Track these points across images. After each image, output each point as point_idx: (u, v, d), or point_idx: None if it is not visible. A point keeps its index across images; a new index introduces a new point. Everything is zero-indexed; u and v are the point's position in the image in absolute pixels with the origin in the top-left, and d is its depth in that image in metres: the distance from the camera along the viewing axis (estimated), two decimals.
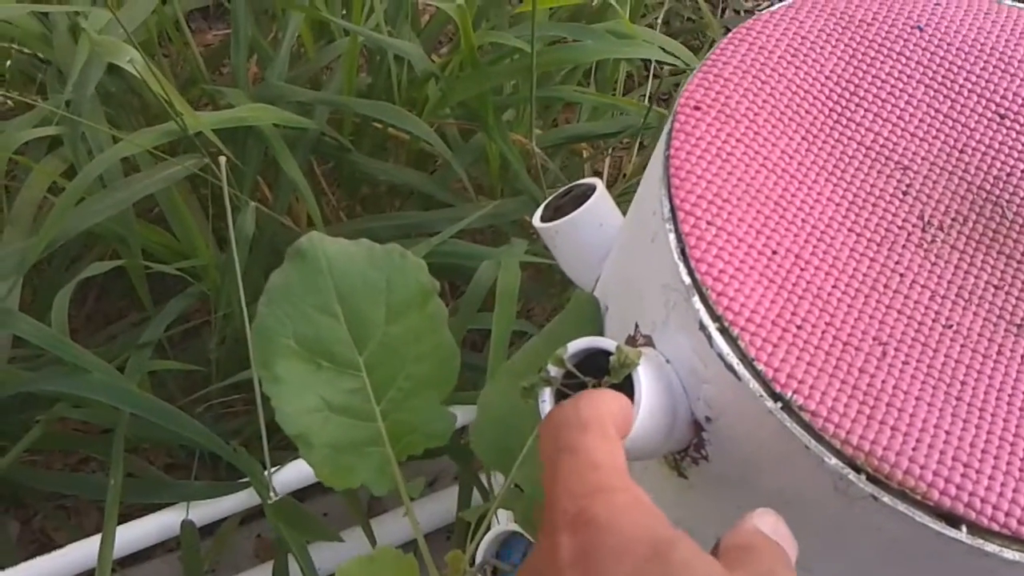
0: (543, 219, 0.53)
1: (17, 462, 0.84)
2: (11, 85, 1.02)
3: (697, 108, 0.39)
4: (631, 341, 0.40)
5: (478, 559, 0.55)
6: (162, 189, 0.81)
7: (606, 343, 0.36)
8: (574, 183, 0.54)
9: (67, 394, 0.75)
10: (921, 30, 0.43)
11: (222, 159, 0.76)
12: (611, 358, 0.35)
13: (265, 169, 0.98)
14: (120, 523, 0.74)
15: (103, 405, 0.74)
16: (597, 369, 0.36)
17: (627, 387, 0.34)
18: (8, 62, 0.96)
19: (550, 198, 0.54)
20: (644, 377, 0.34)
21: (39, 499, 0.99)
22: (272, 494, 0.64)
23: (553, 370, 0.36)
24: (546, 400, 0.36)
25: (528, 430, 0.44)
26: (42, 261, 0.83)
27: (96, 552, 0.69)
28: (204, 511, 0.77)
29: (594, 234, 0.51)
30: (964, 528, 0.31)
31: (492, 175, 1.01)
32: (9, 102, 0.97)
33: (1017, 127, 0.41)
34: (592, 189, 0.52)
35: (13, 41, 0.94)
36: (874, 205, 0.38)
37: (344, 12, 1.02)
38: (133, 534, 0.75)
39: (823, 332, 0.34)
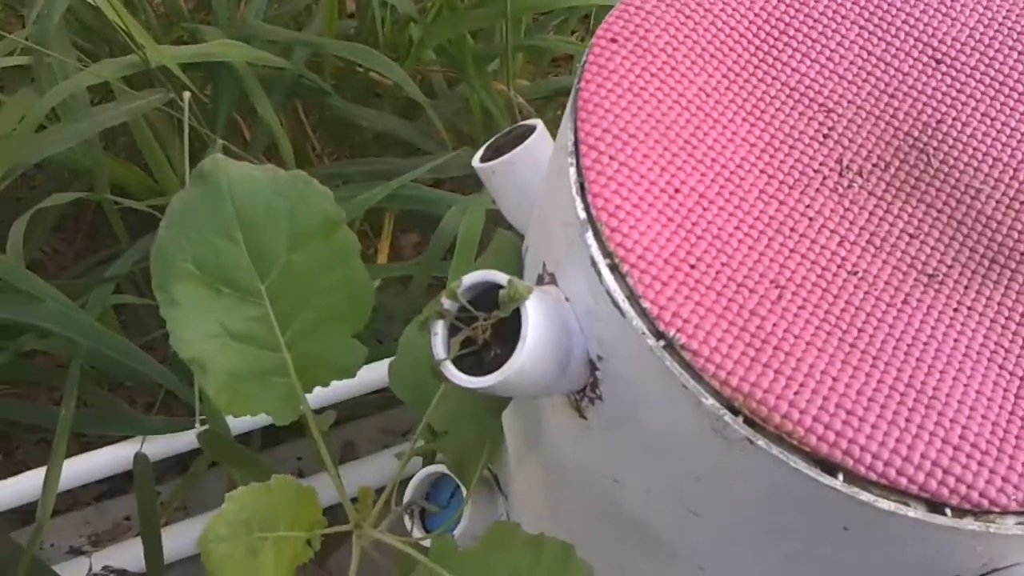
0: (483, 159, 0.52)
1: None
2: None
3: (613, 41, 0.38)
4: (540, 280, 0.39)
5: (407, 498, 0.54)
6: (135, 123, 0.81)
7: (499, 277, 0.35)
8: (517, 124, 0.53)
9: (31, 325, 0.76)
10: None
11: (186, 94, 0.75)
12: (501, 292, 0.34)
13: (248, 111, 0.98)
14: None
15: (65, 338, 0.74)
16: (493, 304, 0.35)
17: (517, 321, 0.34)
18: None
19: (493, 139, 0.53)
20: (532, 312, 0.33)
21: (21, 432, 1.00)
22: (198, 424, 0.64)
23: (447, 303, 0.36)
24: (438, 333, 0.35)
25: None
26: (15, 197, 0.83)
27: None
28: (159, 446, 0.77)
29: (531, 175, 0.50)
30: (840, 476, 0.30)
31: (475, 124, 1.00)
32: None
33: (953, 73, 0.39)
34: (532, 129, 0.51)
35: None
36: (791, 147, 0.37)
37: None
38: (86, 465, 0.75)
39: (717, 272, 0.33)
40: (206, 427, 0.66)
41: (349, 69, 1.04)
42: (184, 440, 0.77)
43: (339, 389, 0.76)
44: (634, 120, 0.36)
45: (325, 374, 0.42)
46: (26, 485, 0.75)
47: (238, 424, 0.76)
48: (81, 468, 0.75)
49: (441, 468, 0.55)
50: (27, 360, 0.90)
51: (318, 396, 0.50)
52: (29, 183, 0.75)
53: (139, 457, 0.74)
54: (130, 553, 0.90)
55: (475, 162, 0.52)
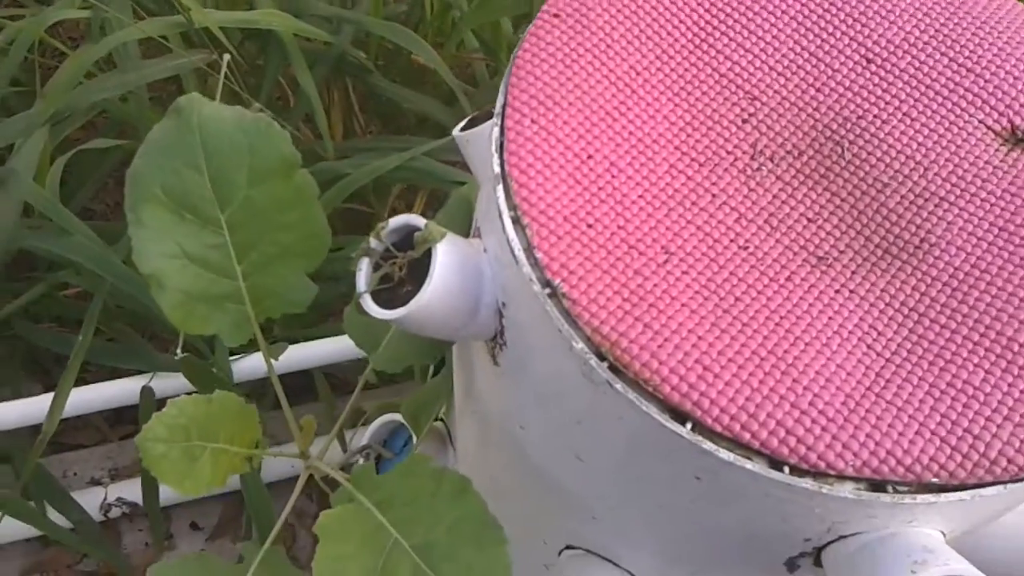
0: (461, 130, 0.55)
1: (40, 329, 0.92)
2: None
3: (556, 16, 0.40)
4: (473, 233, 0.42)
5: (363, 442, 0.58)
6: (185, 80, 0.86)
7: (419, 221, 0.38)
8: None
9: (69, 263, 0.81)
10: None
11: (225, 56, 0.80)
12: (416, 233, 0.37)
13: (294, 81, 1.02)
14: None
15: (92, 275, 0.80)
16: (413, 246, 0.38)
17: (429, 262, 0.37)
18: None
19: (476, 113, 0.56)
20: (442, 253, 0.36)
21: (59, 365, 1.07)
22: (178, 351, 0.68)
23: (373, 243, 0.39)
24: (362, 269, 0.38)
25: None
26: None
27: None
28: (168, 384, 0.82)
29: None
30: (689, 425, 0.32)
31: None
32: None
33: (882, 73, 0.41)
34: None
35: None
36: (709, 129, 0.39)
37: None
38: (95, 394, 0.81)
39: (612, 234, 0.35)
40: (187, 355, 0.70)
41: (396, 51, 1.08)
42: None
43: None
44: (561, 89, 0.38)
45: (277, 306, 0.45)
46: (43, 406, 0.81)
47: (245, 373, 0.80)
48: (91, 396, 0.81)
49: (398, 417, 0.58)
50: (61, 295, 0.96)
51: None
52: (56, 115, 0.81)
53: (145, 390, 0.79)
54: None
55: (455, 131, 0.55)
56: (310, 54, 0.97)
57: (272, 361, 0.47)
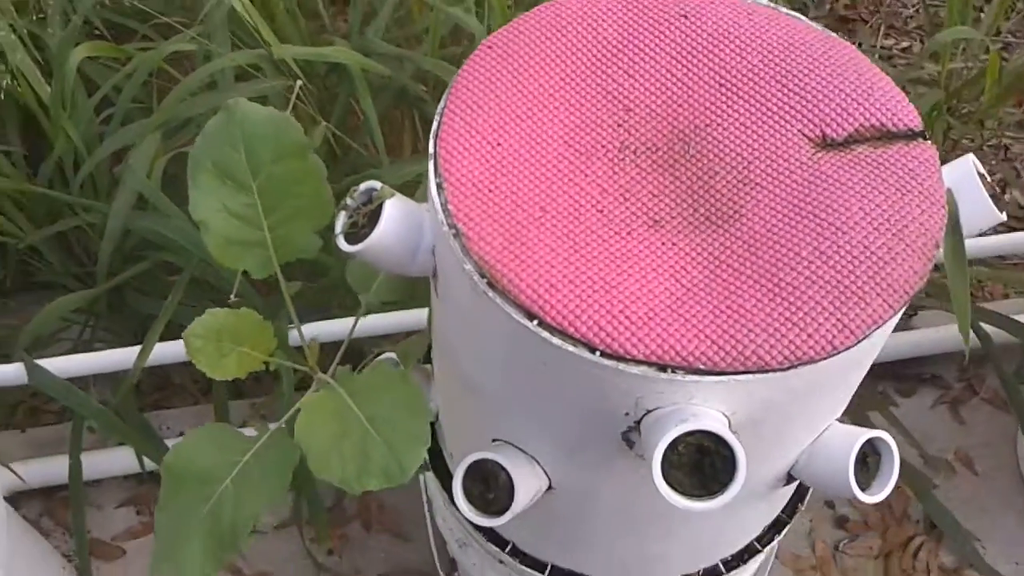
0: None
1: (144, 298, 1.11)
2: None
3: (490, 47, 0.55)
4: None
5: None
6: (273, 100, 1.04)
7: (377, 185, 0.53)
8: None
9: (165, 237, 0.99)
10: (686, 17, 0.56)
11: (297, 82, 0.97)
12: (374, 192, 0.52)
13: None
14: None
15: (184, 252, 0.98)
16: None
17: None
18: None
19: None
20: (388, 207, 0.51)
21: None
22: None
23: (348, 201, 0.54)
24: (340, 219, 0.54)
25: None
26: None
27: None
28: None
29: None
30: (535, 321, 0.46)
31: None
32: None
33: (730, 94, 0.54)
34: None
35: None
36: (591, 130, 0.53)
37: None
38: (178, 349, 0.98)
39: (505, 197, 0.50)
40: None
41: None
42: None
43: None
44: (484, 99, 0.53)
45: (292, 252, 0.60)
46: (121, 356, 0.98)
47: None
48: (175, 350, 0.98)
49: (394, 356, 0.73)
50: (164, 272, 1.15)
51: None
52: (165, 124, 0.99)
53: None
54: None
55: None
56: (376, 87, 1.14)
57: (288, 292, 0.62)
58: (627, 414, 0.48)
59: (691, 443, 0.44)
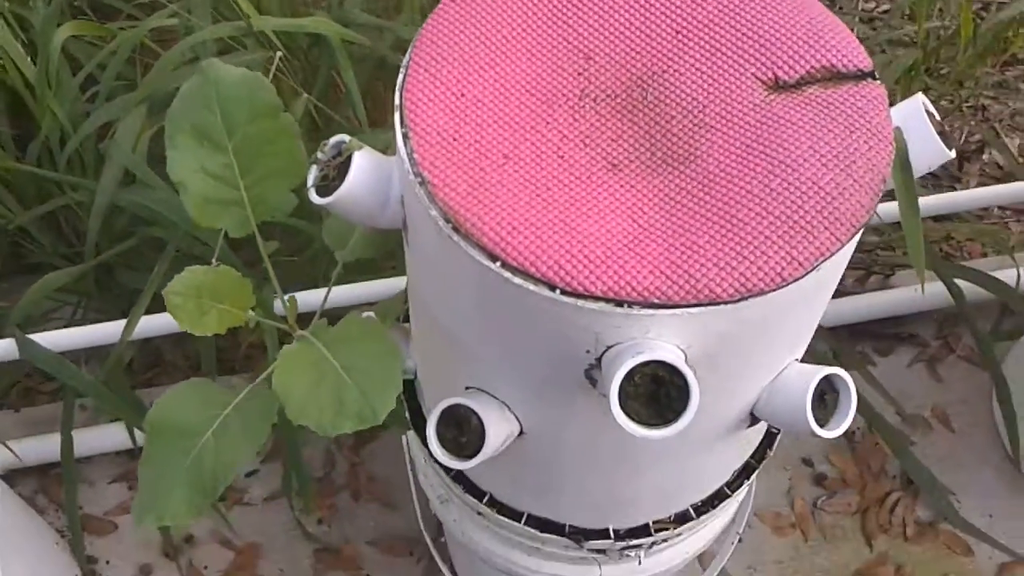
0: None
1: (132, 273, 1.12)
2: None
3: (453, 2, 0.56)
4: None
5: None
6: None
7: (346, 138, 0.54)
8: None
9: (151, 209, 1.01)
10: None
11: (277, 54, 0.98)
12: (343, 145, 0.53)
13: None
14: None
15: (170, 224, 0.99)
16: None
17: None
18: None
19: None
20: (357, 159, 0.52)
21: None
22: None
23: (319, 154, 0.55)
24: (311, 174, 0.55)
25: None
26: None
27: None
28: None
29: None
30: (498, 263, 0.47)
31: None
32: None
33: (687, 41, 0.55)
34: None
35: None
36: (552, 78, 0.54)
37: None
38: (165, 321, 0.99)
39: (469, 145, 0.51)
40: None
41: None
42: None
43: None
44: (448, 51, 0.54)
45: (268, 211, 0.62)
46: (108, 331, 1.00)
47: None
48: (161, 322, 0.99)
49: (373, 315, 0.74)
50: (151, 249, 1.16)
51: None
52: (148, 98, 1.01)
53: None
54: None
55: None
56: (357, 58, 1.15)
57: (266, 252, 0.63)
58: (588, 351, 0.49)
59: (647, 374, 0.45)
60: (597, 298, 0.46)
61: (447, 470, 0.73)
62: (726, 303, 0.46)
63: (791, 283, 0.46)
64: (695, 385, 0.44)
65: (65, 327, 1.22)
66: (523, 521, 0.71)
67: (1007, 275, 1.31)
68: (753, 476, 0.73)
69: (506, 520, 0.71)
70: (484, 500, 0.72)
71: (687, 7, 0.56)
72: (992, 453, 1.30)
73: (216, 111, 0.60)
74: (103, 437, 1.25)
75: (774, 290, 0.46)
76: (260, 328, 1.33)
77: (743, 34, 0.55)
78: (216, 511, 1.21)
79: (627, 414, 0.45)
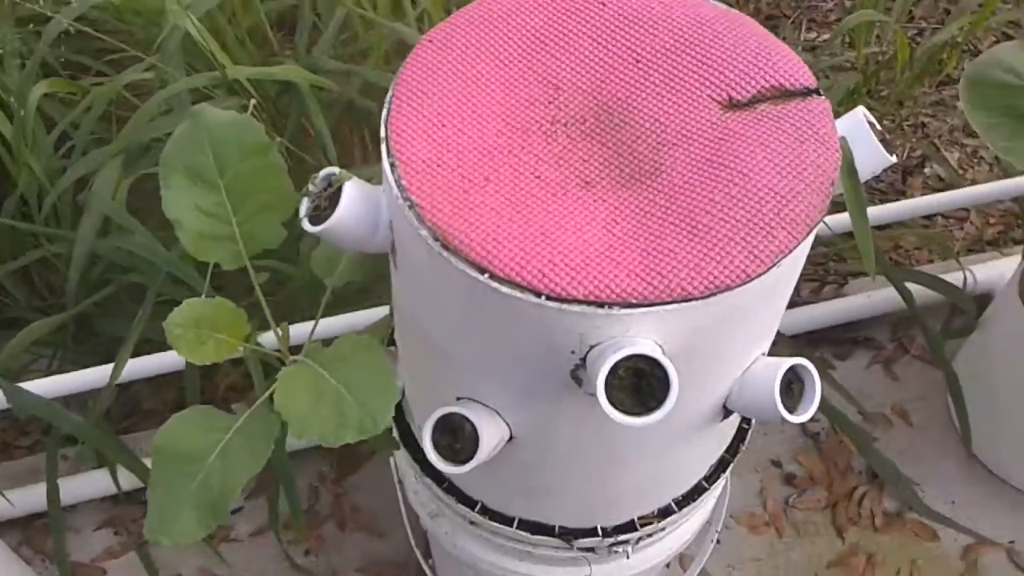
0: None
1: (113, 320, 1.14)
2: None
3: (430, 41, 0.60)
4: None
5: None
6: None
7: (335, 170, 0.57)
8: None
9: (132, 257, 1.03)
10: (603, 4, 0.62)
11: (251, 101, 1.02)
12: (332, 177, 0.57)
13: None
14: None
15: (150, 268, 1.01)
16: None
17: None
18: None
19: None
20: (348, 189, 0.56)
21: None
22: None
23: (310, 186, 0.59)
24: (304, 205, 0.58)
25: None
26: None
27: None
28: None
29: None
30: (486, 275, 0.51)
31: None
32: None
33: (646, 69, 0.60)
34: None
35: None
36: (525, 108, 0.58)
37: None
38: (149, 363, 1.01)
39: (452, 170, 0.55)
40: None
41: None
42: None
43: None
44: (427, 87, 0.58)
45: (259, 245, 0.65)
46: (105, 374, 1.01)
47: None
48: (145, 364, 1.01)
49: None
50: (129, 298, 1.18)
51: None
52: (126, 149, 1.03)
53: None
54: None
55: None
56: (326, 103, 1.19)
57: (257, 283, 0.66)
58: (573, 352, 0.53)
59: (629, 367, 0.49)
60: (580, 301, 0.50)
61: (439, 482, 0.76)
62: (697, 299, 0.50)
63: (755, 279, 0.51)
64: (674, 374, 0.48)
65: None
66: (515, 525, 0.74)
67: (954, 278, 1.38)
68: (728, 470, 0.77)
69: (498, 526, 0.74)
70: (476, 508, 0.75)
71: (645, 38, 0.61)
72: (950, 444, 1.35)
73: (208, 152, 0.63)
74: (86, 485, 1.25)
75: (739, 286, 0.50)
76: (236, 369, 1.35)
77: (698, 60, 0.60)
78: (206, 547, 1.22)
79: (613, 405, 0.49)
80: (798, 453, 1.34)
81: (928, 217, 1.70)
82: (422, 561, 0.99)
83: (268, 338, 0.67)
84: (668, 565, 1.23)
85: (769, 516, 1.29)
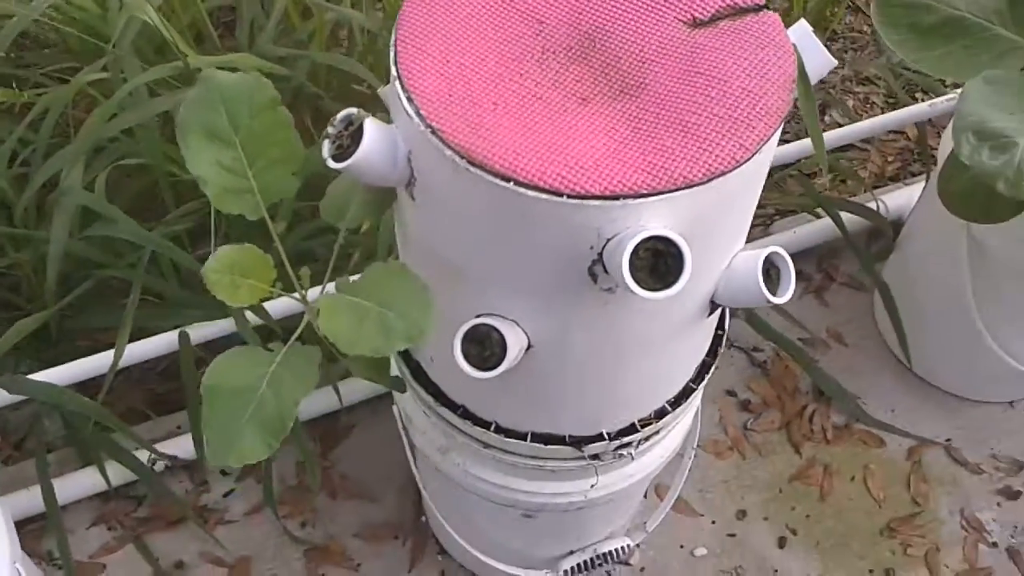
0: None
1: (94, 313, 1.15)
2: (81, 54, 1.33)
3: None
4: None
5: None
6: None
7: (354, 110, 0.63)
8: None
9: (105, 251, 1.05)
10: None
11: None
12: (352, 116, 0.62)
13: None
14: None
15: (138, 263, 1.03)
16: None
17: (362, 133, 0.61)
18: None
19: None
20: (368, 126, 0.61)
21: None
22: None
23: (330, 128, 0.64)
24: (326, 146, 0.63)
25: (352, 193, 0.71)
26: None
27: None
28: (200, 331, 1.06)
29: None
30: (511, 182, 0.57)
31: None
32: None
33: (621, 1, 0.67)
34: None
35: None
36: (515, 41, 0.65)
37: None
38: (146, 347, 1.04)
39: (463, 99, 0.60)
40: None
41: (341, 84, 1.34)
42: (219, 327, 1.05)
43: None
44: (427, 26, 0.64)
45: (275, 194, 0.69)
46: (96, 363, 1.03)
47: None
48: (143, 348, 1.04)
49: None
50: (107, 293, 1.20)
51: None
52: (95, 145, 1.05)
53: (182, 334, 1.03)
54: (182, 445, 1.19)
55: (379, 91, 0.81)
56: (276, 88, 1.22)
57: (276, 231, 0.71)
58: (591, 247, 0.59)
59: (648, 248, 0.56)
60: (597, 196, 0.57)
61: (454, 409, 0.82)
62: (698, 185, 0.57)
63: (744, 163, 0.58)
64: (687, 249, 0.55)
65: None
66: (528, 439, 0.80)
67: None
68: (711, 371, 0.84)
69: (513, 441, 0.80)
70: (491, 428, 0.81)
71: None
72: (883, 359, 1.47)
73: (221, 111, 0.67)
74: (75, 484, 1.26)
75: (732, 170, 0.58)
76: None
77: None
78: (203, 532, 1.24)
79: (636, 282, 0.55)
80: (749, 381, 1.43)
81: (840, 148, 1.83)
82: (423, 491, 1.04)
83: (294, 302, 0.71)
84: (646, 495, 1.31)
85: (731, 441, 1.38)
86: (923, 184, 1.48)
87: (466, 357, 0.66)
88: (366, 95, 1.34)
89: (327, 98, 1.28)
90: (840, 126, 1.97)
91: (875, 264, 1.46)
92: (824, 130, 1.92)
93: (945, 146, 1.21)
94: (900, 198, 1.57)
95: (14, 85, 1.30)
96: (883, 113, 1.99)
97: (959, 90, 1.53)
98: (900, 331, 1.39)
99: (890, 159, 1.87)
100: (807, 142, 1.47)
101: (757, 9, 0.66)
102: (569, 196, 0.56)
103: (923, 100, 1.85)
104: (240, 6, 1.27)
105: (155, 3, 1.12)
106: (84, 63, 1.25)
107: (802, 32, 0.67)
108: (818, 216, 1.54)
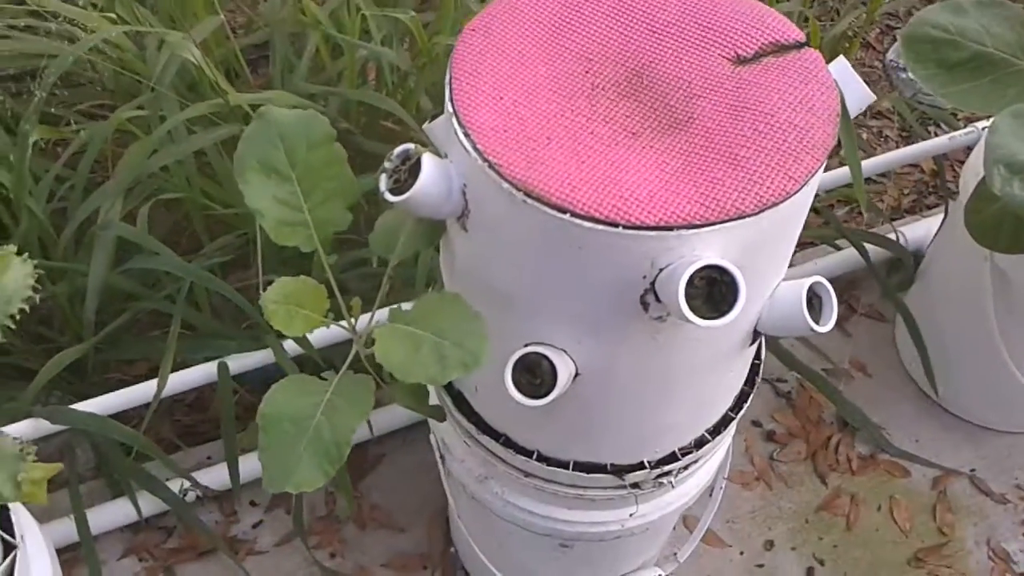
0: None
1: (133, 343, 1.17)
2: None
3: (473, 30, 0.68)
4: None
5: None
6: (213, 149, 1.13)
7: (411, 146, 0.64)
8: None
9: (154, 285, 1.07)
10: None
11: (245, 128, 1.07)
12: (409, 152, 0.64)
13: None
14: None
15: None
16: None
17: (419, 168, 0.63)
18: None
19: (433, 114, 0.83)
20: (425, 161, 0.63)
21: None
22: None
23: (387, 163, 0.65)
24: (383, 180, 0.65)
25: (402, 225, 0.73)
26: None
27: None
28: (239, 362, 1.07)
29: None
30: (568, 214, 0.58)
31: None
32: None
33: (662, 37, 0.69)
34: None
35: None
36: (566, 78, 0.66)
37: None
38: (185, 378, 1.05)
39: (518, 134, 0.62)
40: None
41: (369, 120, 1.36)
42: (256, 358, 1.07)
43: None
44: (480, 65, 0.66)
45: (329, 228, 0.71)
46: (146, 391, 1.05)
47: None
48: (181, 379, 1.05)
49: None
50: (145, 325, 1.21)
51: None
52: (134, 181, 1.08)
53: (221, 365, 1.04)
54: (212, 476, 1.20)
55: (424, 126, 0.83)
56: None
57: (327, 263, 0.72)
58: (644, 276, 0.61)
59: (703, 277, 0.57)
60: (652, 227, 0.58)
61: (496, 437, 0.83)
62: (750, 216, 0.59)
63: (793, 195, 0.60)
64: (741, 277, 0.57)
65: None
66: (570, 468, 0.81)
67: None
68: (749, 400, 0.85)
69: (555, 469, 0.81)
70: (533, 457, 0.82)
71: (655, 11, 0.70)
72: (906, 388, 1.47)
73: (280, 146, 0.69)
74: (106, 515, 1.27)
75: (782, 201, 0.59)
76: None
77: (703, 26, 0.69)
78: (233, 564, 1.25)
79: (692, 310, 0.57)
80: (774, 412, 1.44)
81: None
82: (460, 522, 1.05)
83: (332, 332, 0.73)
84: (675, 528, 1.31)
85: (757, 471, 1.38)
86: (942, 216, 1.49)
87: (516, 386, 0.67)
88: (395, 131, 1.36)
89: (357, 134, 1.30)
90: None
91: (896, 294, 1.47)
92: (840, 164, 1.95)
93: (967, 178, 1.23)
94: (919, 229, 1.58)
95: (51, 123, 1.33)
96: (897, 147, 2.02)
97: (976, 124, 1.56)
98: (926, 360, 1.40)
99: (906, 191, 1.89)
100: (827, 175, 1.49)
101: (799, 46, 0.68)
102: (625, 227, 0.58)
103: (937, 134, 1.87)
104: (273, 44, 1.30)
105: (209, 32, 1.15)
106: (119, 101, 1.28)
107: (842, 67, 0.69)
108: (837, 247, 1.56)
